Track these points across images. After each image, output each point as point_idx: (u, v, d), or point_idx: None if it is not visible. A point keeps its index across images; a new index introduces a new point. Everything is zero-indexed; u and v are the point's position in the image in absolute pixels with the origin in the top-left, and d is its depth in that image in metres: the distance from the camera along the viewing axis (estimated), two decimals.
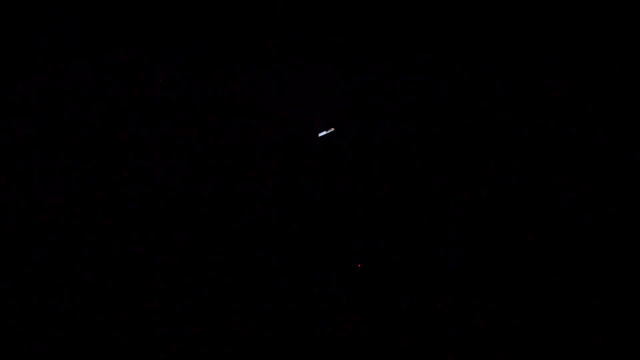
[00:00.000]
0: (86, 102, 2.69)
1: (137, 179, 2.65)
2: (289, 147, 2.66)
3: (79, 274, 2.56)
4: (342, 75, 2.69)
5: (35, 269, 2.55)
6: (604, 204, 2.50)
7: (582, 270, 2.46)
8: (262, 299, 2.54)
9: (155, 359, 2.47)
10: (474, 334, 2.45)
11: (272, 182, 2.64)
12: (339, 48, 2.70)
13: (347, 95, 2.69)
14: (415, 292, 2.52)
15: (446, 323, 2.47)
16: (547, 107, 2.60)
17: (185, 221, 2.62)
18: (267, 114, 2.69)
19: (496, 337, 2.44)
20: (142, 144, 2.67)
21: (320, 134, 2.65)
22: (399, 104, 2.66)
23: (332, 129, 2.64)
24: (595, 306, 2.43)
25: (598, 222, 2.49)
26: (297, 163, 2.65)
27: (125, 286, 2.55)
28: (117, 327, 2.50)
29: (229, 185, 2.65)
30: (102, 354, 2.47)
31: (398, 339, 2.47)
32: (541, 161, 2.57)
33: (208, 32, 2.72)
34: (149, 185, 2.64)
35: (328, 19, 2.70)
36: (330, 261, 2.58)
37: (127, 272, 2.56)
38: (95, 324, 2.50)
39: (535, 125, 2.60)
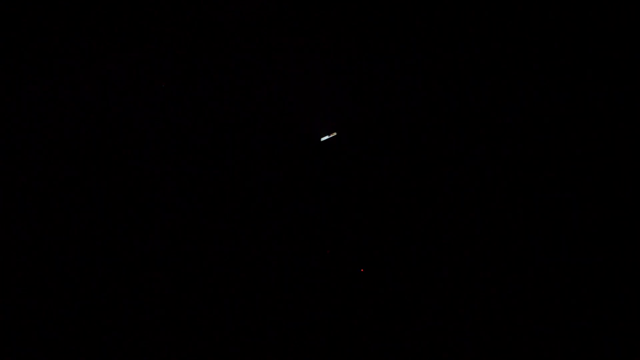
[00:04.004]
0: (87, 105, 2.68)
1: (136, 181, 2.64)
2: (290, 152, 2.65)
3: (78, 273, 2.56)
4: (346, 78, 2.67)
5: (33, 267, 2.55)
6: (604, 204, 2.51)
7: (582, 270, 2.48)
8: (262, 302, 2.55)
9: (154, 358, 2.48)
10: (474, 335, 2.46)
11: (272, 187, 2.63)
12: (342, 49, 2.68)
13: (350, 98, 2.67)
14: (418, 295, 2.53)
15: (447, 325, 2.48)
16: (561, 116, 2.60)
17: (183, 225, 2.61)
18: (268, 118, 2.67)
19: (498, 337, 2.45)
20: (141, 145, 2.66)
21: (323, 139, 2.64)
22: (404, 107, 2.65)
23: (335, 134, 2.63)
24: (596, 307, 2.44)
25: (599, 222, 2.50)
26: (298, 168, 2.65)
27: (124, 286, 2.55)
28: (113, 327, 2.51)
29: (229, 190, 2.64)
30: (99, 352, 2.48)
31: (399, 341, 2.49)
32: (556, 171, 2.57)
33: (208, 32, 2.70)
34: (148, 187, 2.64)
35: (330, 18, 2.69)
36: (330, 266, 2.59)
37: (125, 275, 2.56)
38: (91, 323, 2.50)
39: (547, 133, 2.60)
